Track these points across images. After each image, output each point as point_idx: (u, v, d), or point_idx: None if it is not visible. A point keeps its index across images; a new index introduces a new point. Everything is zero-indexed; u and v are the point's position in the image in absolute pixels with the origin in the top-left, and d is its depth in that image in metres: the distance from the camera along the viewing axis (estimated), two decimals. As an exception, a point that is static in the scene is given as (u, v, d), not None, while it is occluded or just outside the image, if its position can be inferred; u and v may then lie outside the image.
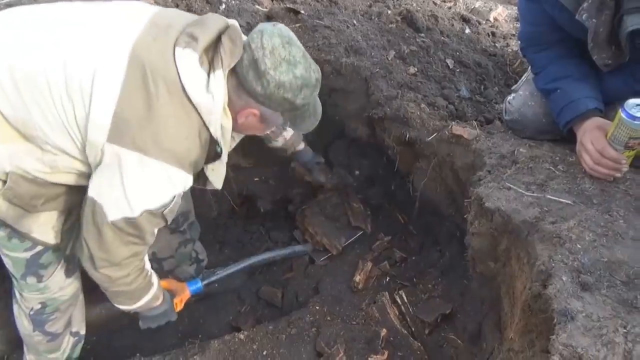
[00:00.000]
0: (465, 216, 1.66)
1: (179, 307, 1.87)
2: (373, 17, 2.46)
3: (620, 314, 1.05)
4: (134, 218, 1.28)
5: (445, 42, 2.35)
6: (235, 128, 1.41)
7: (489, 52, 2.43)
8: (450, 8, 2.72)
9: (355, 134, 2.27)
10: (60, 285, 1.60)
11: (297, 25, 2.27)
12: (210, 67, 1.27)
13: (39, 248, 1.47)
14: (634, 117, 1.32)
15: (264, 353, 1.84)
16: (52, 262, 1.53)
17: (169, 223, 1.41)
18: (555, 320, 1.06)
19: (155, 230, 1.40)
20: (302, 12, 2.34)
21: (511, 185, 1.48)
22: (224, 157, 1.43)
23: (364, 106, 2.13)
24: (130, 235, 1.34)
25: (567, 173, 1.51)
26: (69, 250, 1.56)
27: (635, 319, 1.03)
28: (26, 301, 1.60)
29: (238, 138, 1.66)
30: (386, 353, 1.79)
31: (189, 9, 2.33)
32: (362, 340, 1.84)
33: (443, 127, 1.87)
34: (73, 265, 1.61)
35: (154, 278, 1.62)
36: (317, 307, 2.01)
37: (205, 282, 2.01)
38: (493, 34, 2.59)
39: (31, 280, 1.53)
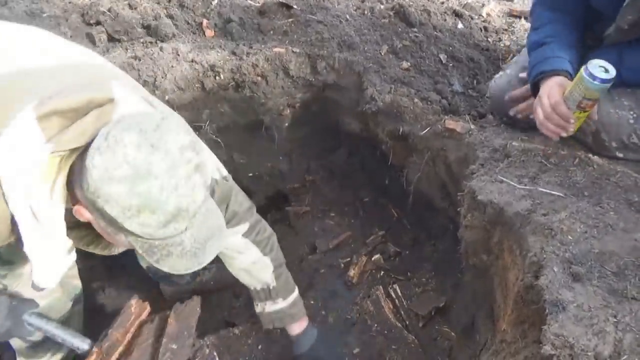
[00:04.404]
0: (458, 209, 1.67)
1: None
2: (366, 12, 2.46)
3: (610, 303, 1.06)
4: None
5: (438, 37, 2.36)
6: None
7: (481, 47, 2.44)
8: (442, 3, 2.72)
9: (349, 128, 2.27)
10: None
11: (290, 20, 2.27)
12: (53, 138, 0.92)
13: None
14: (593, 77, 1.31)
15: (259, 347, 1.85)
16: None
17: None
18: (546, 310, 1.07)
19: None
20: (295, 6, 2.34)
21: (503, 179, 1.48)
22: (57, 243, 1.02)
23: (358, 101, 2.13)
24: None
25: (559, 166, 1.52)
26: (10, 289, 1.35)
27: (625, 309, 1.04)
28: None
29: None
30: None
31: (180, 5, 2.32)
32: (356, 334, 1.85)
33: (436, 122, 1.87)
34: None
35: None
36: (312, 302, 2.02)
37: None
38: (485, 28, 2.59)
39: None
